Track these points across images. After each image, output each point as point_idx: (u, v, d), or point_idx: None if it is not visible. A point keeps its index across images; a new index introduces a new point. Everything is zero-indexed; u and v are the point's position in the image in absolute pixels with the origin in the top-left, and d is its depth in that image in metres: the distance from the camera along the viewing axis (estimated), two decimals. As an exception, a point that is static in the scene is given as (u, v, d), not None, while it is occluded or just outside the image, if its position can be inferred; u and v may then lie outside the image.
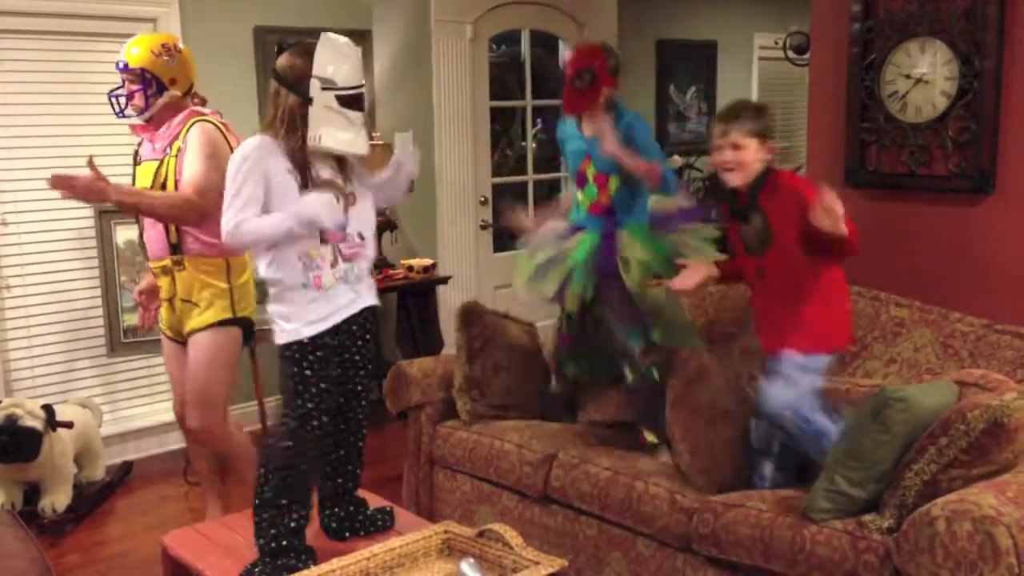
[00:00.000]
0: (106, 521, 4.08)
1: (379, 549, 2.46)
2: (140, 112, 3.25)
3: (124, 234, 4.37)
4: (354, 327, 2.67)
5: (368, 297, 2.71)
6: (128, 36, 3.39)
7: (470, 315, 3.61)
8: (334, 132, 2.52)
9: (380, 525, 2.82)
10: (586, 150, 3.23)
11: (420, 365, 3.71)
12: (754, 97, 8.38)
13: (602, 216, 3.18)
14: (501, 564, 2.43)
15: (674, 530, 2.88)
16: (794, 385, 2.78)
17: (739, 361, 3.18)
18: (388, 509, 2.88)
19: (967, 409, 2.42)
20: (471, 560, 2.41)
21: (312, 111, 2.51)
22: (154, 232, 3.27)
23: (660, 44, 7.39)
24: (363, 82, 2.61)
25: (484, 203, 5.85)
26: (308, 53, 2.53)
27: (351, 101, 2.55)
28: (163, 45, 3.26)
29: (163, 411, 4.68)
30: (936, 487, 2.43)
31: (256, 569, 2.55)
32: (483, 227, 5.86)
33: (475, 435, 3.51)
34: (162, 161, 3.22)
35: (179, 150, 3.19)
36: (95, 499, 4.19)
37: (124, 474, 4.49)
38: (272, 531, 2.57)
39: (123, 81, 3.25)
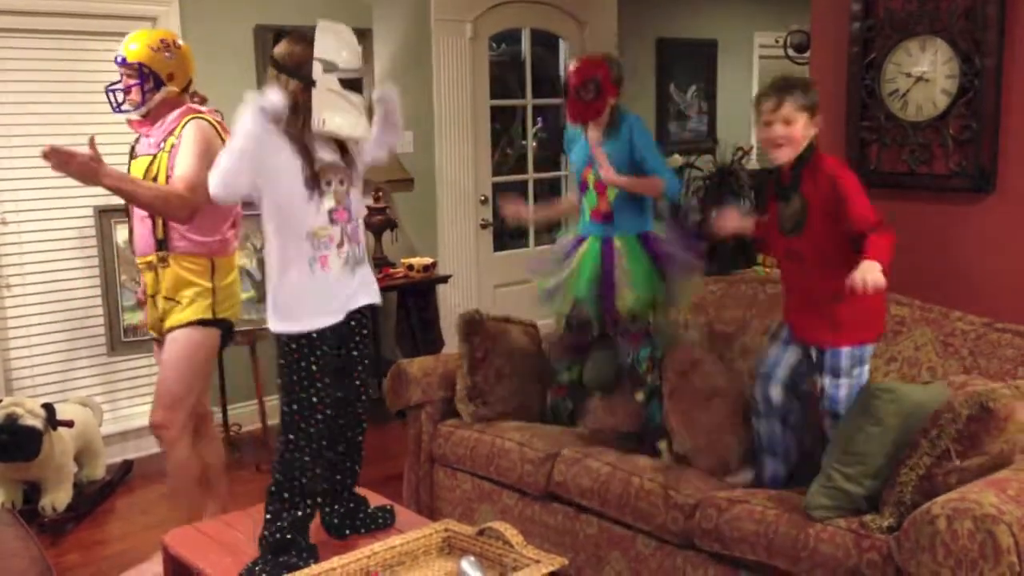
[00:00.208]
0: (106, 520, 4.08)
1: (380, 547, 2.46)
2: (137, 107, 3.24)
3: (124, 233, 4.34)
4: (352, 322, 2.67)
5: (370, 293, 2.72)
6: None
7: (471, 325, 3.62)
8: (337, 115, 2.53)
9: (381, 523, 2.83)
10: (589, 159, 3.27)
11: (420, 364, 3.72)
12: (754, 96, 8.38)
13: (602, 223, 3.27)
14: (502, 562, 2.43)
15: (671, 528, 2.89)
16: (857, 379, 2.78)
17: None
18: (389, 507, 2.88)
19: (955, 400, 2.46)
20: (472, 558, 2.41)
21: (315, 95, 2.51)
22: (142, 228, 3.26)
23: (660, 43, 7.40)
24: (362, 66, 2.63)
25: (484, 202, 5.85)
26: (307, 39, 2.54)
27: (352, 84, 2.57)
28: (162, 40, 3.25)
29: (163, 410, 4.68)
30: (933, 482, 2.45)
31: (257, 567, 2.55)
32: (483, 226, 5.86)
33: (476, 433, 3.51)
34: (155, 156, 3.21)
35: (172, 146, 3.17)
36: (95, 498, 4.19)
37: (124, 473, 4.50)
38: (277, 523, 2.58)
39: (121, 75, 3.25)
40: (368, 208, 5.10)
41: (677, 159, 6.99)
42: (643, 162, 3.21)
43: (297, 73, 2.53)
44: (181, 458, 3.31)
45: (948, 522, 2.22)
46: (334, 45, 2.53)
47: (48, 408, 3.90)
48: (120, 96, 3.26)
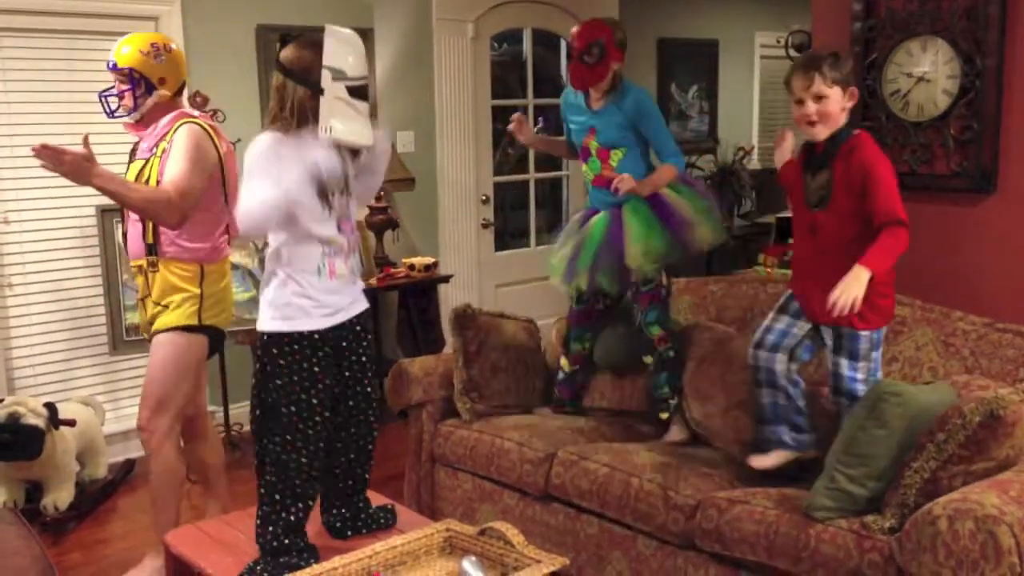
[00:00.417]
0: (108, 519, 4.09)
1: (381, 547, 2.46)
2: (130, 112, 3.22)
3: (124, 233, 4.38)
4: (358, 327, 2.67)
5: (363, 301, 2.71)
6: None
7: (463, 318, 3.62)
8: (344, 123, 2.49)
9: (382, 523, 2.82)
10: (592, 124, 3.25)
11: (421, 364, 3.72)
12: (755, 96, 8.39)
13: (607, 187, 3.26)
14: (503, 562, 2.43)
15: (672, 528, 2.89)
16: (875, 363, 2.80)
17: None
18: (390, 507, 2.88)
19: (964, 404, 2.44)
20: (473, 558, 2.41)
21: (323, 102, 2.48)
22: (133, 231, 3.25)
23: (661, 43, 7.40)
24: (367, 73, 2.61)
25: (485, 202, 5.85)
26: (315, 44, 2.50)
27: (358, 92, 2.53)
28: (152, 44, 3.22)
29: (165, 409, 4.68)
30: (937, 485, 2.44)
31: (258, 567, 2.54)
32: (485, 226, 5.86)
33: (476, 433, 3.51)
34: (147, 161, 3.19)
35: (164, 151, 3.15)
36: (97, 497, 4.19)
37: (126, 472, 4.50)
38: (270, 528, 2.56)
39: (114, 81, 3.25)
40: (369, 207, 5.11)
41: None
42: (652, 141, 3.23)
43: (306, 79, 2.50)
44: (162, 465, 3.27)
45: (949, 523, 2.22)
46: (342, 51, 2.50)
47: (50, 407, 3.90)
48: (114, 102, 3.25)
